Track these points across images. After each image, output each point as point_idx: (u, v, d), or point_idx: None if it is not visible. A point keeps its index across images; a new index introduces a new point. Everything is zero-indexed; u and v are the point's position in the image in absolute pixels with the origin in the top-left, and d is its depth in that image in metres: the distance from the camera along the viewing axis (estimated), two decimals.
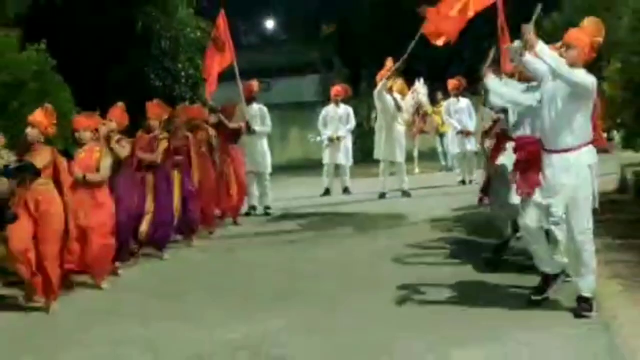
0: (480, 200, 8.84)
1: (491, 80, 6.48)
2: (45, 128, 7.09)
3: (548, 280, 6.03)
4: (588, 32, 5.73)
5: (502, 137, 7.41)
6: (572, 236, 5.70)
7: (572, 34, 5.74)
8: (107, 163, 7.76)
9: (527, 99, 6.19)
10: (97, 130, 7.93)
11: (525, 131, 6.87)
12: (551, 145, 5.76)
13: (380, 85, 12.74)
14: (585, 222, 5.65)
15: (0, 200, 4.25)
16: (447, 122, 15.53)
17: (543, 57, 5.60)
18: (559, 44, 5.98)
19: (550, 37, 9.99)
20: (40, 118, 7.11)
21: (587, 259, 5.66)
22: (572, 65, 5.60)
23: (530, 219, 5.87)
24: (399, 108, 13.04)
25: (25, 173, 5.38)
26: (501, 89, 6.43)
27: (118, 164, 8.16)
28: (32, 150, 7.01)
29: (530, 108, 6.51)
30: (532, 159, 5.93)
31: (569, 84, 5.57)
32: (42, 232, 6.89)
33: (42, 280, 6.94)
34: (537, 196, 5.79)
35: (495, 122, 7.91)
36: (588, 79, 5.60)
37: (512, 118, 7.12)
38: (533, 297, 6.02)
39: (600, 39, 5.77)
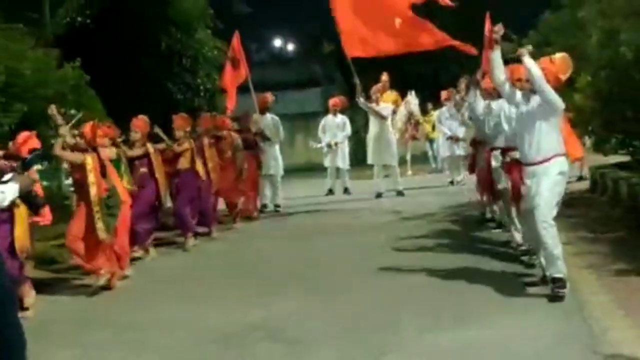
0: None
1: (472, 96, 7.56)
2: (89, 140, 7.25)
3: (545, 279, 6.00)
4: (556, 66, 5.79)
5: (478, 143, 8.16)
6: (536, 228, 5.71)
7: (542, 63, 5.80)
8: (108, 152, 7.80)
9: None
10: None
11: (499, 141, 7.16)
12: (528, 159, 5.81)
13: (360, 98, 12.80)
14: (547, 217, 5.66)
15: (28, 191, 4.31)
16: (438, 128, 15.54)
17: (530, 68, 5.65)
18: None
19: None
20: (87, 131, 7.29)
21: (551, 248, 5.67)
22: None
23: (529, 228, 5.94)
24: (382, 117, 13.03)
25: (41, 160, 5.34)
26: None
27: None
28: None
29: (499, 124, 7.04)
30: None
31: (544, 96, 5.62)
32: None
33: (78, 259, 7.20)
34: (524, 206, 5.87)
35: None
36: (558, 97, 5.71)
37: (487, 129, 7.51)
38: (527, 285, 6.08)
39: (565, 77, 5.86)
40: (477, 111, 7.61)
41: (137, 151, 8.51)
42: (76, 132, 7.34)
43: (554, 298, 5.61)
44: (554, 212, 5.73)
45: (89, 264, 7.16)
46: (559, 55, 5.91)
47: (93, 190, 7.06)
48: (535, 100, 5.78)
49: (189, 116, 9.93)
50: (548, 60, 5.84)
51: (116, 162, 7.89)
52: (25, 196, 4.13)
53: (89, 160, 7.13)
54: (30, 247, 6.58)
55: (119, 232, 7.52)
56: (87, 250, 7.11)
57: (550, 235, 5.66)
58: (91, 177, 7.10)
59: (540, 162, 5.72)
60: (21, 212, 6.29)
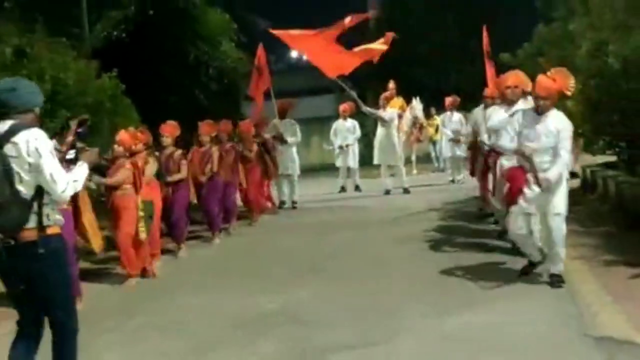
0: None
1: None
2: (129, 146, 7.24)
3: (533, 264, 6.05)
4: (558, 84, 5.68)
5: (477, 147, 8.07)
6: (550, 234, 5.68)
7: (544, 85, 5.63)
8: (150, 169, 7.82)
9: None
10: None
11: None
12: (541, 168, 5.63)
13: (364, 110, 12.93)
14: (563, 226, 5.66)
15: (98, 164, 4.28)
16: (442, 131, 15.53)
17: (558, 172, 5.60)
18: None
19: (521, 64, 10.05)
20: (125, 138, 7.25)
21: (557, 249, 5.70)
22: (545, 111, 5.62)
23: (518, 227, 5.78)
24: (384, 121, 13.02)
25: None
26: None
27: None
28: (116, 162, 7.20)
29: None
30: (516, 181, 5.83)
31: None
32: (122, 224, 7.05)
33: (125, 258, 7.13)
34: (523, 206, 5.70)
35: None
36: (569, 128, 5.68)
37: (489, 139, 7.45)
38: (520, 274, 6.07)
39: (570, 91, 5.80)
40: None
41: (179, 175, 8.49)
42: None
43: (555, 285, 5.67)
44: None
45: (129, 265, 7.13)
46: (555, 71, 5.78)
47: (139, 195, 7.12)
48: (549, 124, 5.60)
49: (214, 122, 9.97)
50: (549, 80, 5.68)
51: (156, 174, 7.97)
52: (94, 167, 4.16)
53: (138, 165, 7.18)
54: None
55: (154, 227, 7.62)
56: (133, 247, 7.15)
57: (562, 242, 5.70)
58: (139, 182, 7.17)
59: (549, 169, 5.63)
60: (89, 218, 6.34)
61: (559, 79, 5.72)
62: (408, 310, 5.41)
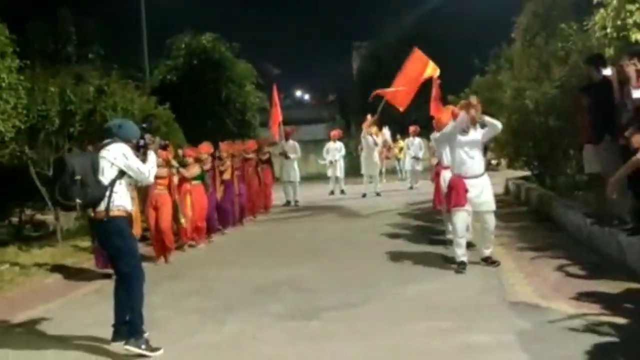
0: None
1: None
2: (166, 157, 7.16)
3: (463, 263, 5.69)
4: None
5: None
6: (487, 227, 5.64)
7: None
8: (193, 170, 7.84)
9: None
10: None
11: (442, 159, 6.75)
12: (471, 173, 5.55)
13: (364, 132, 12.99)
14: (494, 219, 5.69)
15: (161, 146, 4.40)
16: (405, 151, 15.66)
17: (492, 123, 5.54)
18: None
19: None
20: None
21: (492, 239, 5.78)
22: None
23: (461, 232, 5.55)
24: (375, 143, 13.19)
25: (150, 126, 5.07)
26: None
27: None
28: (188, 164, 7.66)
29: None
30: (456, 187, 5.61)
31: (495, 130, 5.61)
32: (160, 218, 7.03)
33: (161, 244, 7.09)
34: (465, 208, 5.53)
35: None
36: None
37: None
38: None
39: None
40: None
41: (226, 176, 8.65)
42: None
43: (492, 264, 5.67)
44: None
45: (170, 244, 7.11)
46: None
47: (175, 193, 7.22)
48: (479, 131, 5.55)
49: (231, 143, 9.99)
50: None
51: (201, 175, 7.98)
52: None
53: (173, 175, 7.27)
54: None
55: (198, 219, 7.75)
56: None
57: (493, 232, 5.74)
58: (174, 185, 7.26)
59: (482, 174, 5.63)
60: (134, 209, 6.26)
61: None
62: (378, 281, 5.45)
